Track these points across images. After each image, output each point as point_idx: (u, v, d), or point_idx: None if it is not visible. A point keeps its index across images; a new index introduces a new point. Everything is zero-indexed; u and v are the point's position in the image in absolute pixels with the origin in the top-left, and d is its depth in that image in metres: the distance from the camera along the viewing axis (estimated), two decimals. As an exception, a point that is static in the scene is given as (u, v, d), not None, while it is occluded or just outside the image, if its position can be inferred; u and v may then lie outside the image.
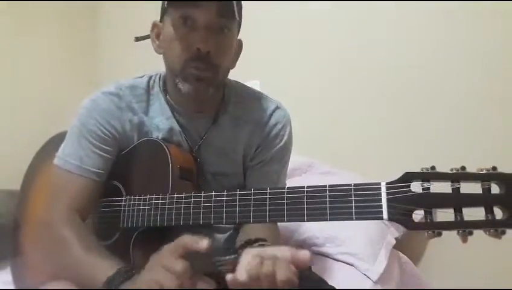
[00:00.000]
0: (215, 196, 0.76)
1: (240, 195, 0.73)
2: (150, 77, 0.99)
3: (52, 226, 0.85)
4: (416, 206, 0.59)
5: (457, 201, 0.58)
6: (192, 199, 0.78)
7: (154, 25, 0.96)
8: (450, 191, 0.58)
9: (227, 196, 0.75)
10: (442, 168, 0.59)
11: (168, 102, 0.96)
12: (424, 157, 1.51)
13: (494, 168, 0.57)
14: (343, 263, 1.30)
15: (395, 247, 1.43)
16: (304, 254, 0.63)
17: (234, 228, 1.01)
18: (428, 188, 0.59)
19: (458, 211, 0.57)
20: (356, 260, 1.28)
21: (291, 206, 0.68)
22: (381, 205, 0.61)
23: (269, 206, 0.70)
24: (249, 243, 0.84)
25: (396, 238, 1.44)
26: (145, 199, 0.85)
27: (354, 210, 0.63)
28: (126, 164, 0.94)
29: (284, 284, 0.61)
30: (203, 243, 0.62)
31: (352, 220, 0.63)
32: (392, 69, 1.67)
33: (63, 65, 2.41)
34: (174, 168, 0.87)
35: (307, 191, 0.67)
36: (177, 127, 0.95)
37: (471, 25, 1.52)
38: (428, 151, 1.56)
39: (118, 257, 0.78)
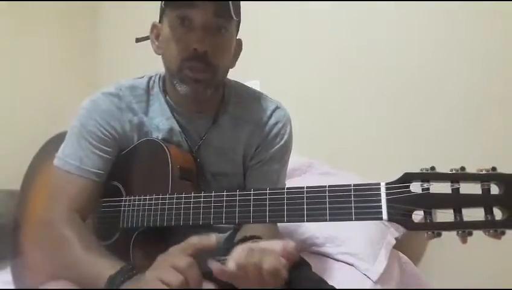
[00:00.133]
0: (215, 196, 0.76)
1: (240, 195, 0.73)
2: (150, 78, 1.00)
3: (52, 226, 0.85)
4: (416, 207, 0.59)
5: (457, 201, 0.57)
6: (192, 199, 0.78)
7: (154, 26, 0.96)
8: (450, 192, 0.58)
9: (227, 196, 0.75)
10: (442, 168, 0.59)
11: (167, 102, 0.96)
12: (424, 158, 1.51)
13: (494, 168, 0.57)
14: (343, 263, 1.30)
15: (395, 247, 1.43)
16: (291, 245, 0.64)
17: (234, 228, 1.01)
18: (427, 189, 0.59)
19: (458, 212, 0.57)
20: (356, 260, 1.28)
21: (291, 207, 0.68)
22: (381, 205, 0.61)
23: (269, 206, 0.70)
24: (244, 241, 0.84)
25: (396, 239, 1.44)
26: (145, 199, 0.85)
27: (353, 211, 0.63)
28: (126, 164, 0.94)
29: (270, 274, 0.62)
30: (211, 239, 0.63)
31: (352, 220, 0.63)
32: (392, 69, 1.67)
33: (63, 65, 2.41)
34: (174, 169, 0.87)
35: (307, 192, 0.67)
36: (177, 128, 0.95)
37: (471, 25, 1.52)
38: (428, 151, 1.56)
39: (118, 257, 0.78)
